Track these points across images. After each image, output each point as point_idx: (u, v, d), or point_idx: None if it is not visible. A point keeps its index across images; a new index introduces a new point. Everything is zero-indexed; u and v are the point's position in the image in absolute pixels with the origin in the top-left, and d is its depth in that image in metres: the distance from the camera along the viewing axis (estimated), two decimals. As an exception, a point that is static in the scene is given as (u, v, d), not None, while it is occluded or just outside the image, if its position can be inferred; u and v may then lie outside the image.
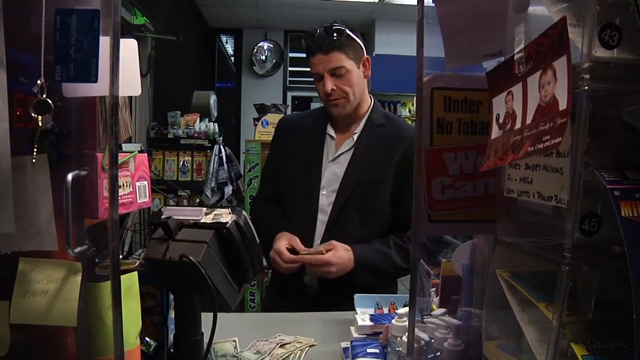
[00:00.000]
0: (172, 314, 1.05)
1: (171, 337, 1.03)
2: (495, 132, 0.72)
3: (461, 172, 0.82)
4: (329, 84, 1.60)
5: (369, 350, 1.10)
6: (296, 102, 7.64)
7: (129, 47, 0.86)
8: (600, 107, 0.58)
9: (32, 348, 0.82)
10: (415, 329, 0.80)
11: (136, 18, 3.94)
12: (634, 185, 0.56)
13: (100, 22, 0.71)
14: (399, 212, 1.64)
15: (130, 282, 0.86)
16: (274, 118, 3.91)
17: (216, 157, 4.40)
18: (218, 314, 0.91)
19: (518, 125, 0.65)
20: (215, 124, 4.77)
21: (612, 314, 0.63)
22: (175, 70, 5.53)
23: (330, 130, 1.71)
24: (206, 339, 0.95)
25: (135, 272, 0.87)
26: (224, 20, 7.19)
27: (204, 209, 1.00)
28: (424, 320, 0.94)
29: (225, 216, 0.97)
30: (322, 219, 1.63)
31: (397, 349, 0.95)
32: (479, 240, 0.88)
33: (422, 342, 0.89)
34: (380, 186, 1.62)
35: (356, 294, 1.35)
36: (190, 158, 4.58)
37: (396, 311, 1.22)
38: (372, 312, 1.28)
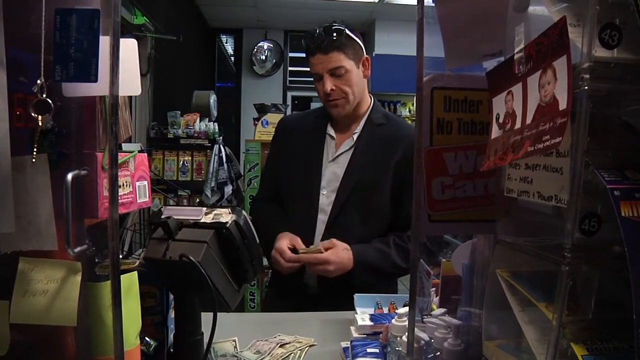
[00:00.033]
0: (172, 314, 1.05)
1: (171, 336, 1.03)
2: (495, 131, 0.72)
3: (461, 172, 0.82)
4: (329, 84, 1.60)
5: (368, 350, 1.10)
6: (296, 102, 7.64)
7: (129, 47, 0.86)
8: (600, 107, 0.58)
9: (32, 348, 0.82)
10: (415, 328, 0.80)
11: (136, 18, 3.94)
12: (634, 185, 0.56)
13: (100, 21, 0.71)
14: (399, 211, 1.64)
15: (130, 281, 0.86)
16: (274, 118, 3.91)
17: (216, 157, 4.40)
18: (218, 313, 0.91)
19: (518, 125, 0.65)
20: (215, 124, 4.77)
21: (612, 313, 0.63)
22: (175, 70, 5.53)
23: (330, 130, 1.71)
24: (206, 339, 0.95)
25: (135, 272, 0.87)
26: (224, 20, 7.19)
27: (204, 208, 1.00)
28: (424, 320, 0.94)
29: (225, 216, 0.97)
30: (322, 219, 1.63)
31: (397, 348, 0.95)
32: (479, 240, 0.88)
33: (422, 341, 0.89)
34: (380, 186, 1.62)
35: (356, 294, 1.35)
36: (190, 158, 4.58)
37: (396, 311, 1.22)
38: (372, 312, 1.28)
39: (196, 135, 4.60)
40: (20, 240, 0.75)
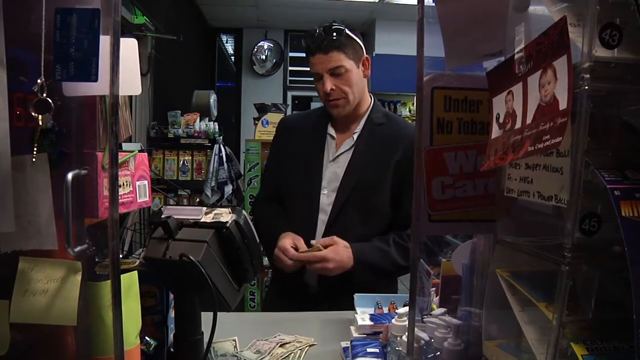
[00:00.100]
0: (172, 314, 1.05)
1: (171, 336, 1.03)
2: (495, 131, 0.72)
3: (461, 172, 0.82)
4: (329, 84, 1.60)
5: (368, 350, 1.10)
6: (296, 101, 7.64)
7: (129, 47, 0.86)
8: (600, 107, 0.58)
9: (32, 347, 0.82)
10: (415, 328, 0.80)
11: (136, 17, 3.94)
12: (634, 185, 0.56)
13: (100, 21, 0.71)
14: (399, 211, 1.64)
15: (130, 281, 0.86)
16: (274, 117, 3.91)
17: (216, 157, 4.41)
18: (218, 313, 0.91)
19: (518, 124, 0.65)
20: (216, 124, 4.77)
21: (612, 313, 0.63)
22: (176, 69, 5.53)
23: (331, 130, 1.71)
24: (206, 339, 0.95)
25: (135, 272, 0.87)
26: (224, 20, 7.19)
27: (204, 208, 1.00)
28: (424, 319, 0.94)
29: (225, 215, 0.97)
30: (322, 219, 1.64)
31: (397, 348, 0.95)
32: (479, 240, 0.88)
33: (422, 341, 0.89)
34: (380, 186, 1.62)
35: (356, 294, 1.35)
36: (190, 157, 4.58)
37: (396, 311, 1.22)
38: (372, 312, 1.28)
39: (196, 134, 4.60)
40: (20, 240, 0.76)
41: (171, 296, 1.05)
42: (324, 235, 1.61)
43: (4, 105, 0.69)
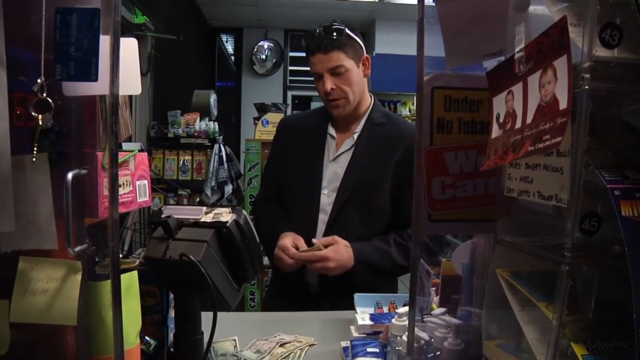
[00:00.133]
0: (172, 313, 1.05)
1: (171, 336, 1.03)
2: (495, 131, 0.72)
3: (461, 172, 0.82)
4: (329, 83, 1.60)
5: (368, 350, 1.10)
6: (296, 101, 7.64)
7: (129, 46, 0.86)
8: (600, 107, 0.58)
9: (32, 347, 0.82)
10: (415, 328, 0.80)
11: (136, 17, 3.94)
12: (634, 185, 0.56)
13: (100, 21, 0.71)
14: (399, 211, 1.64)
15: (130, 281, 0.86)
16: (274, 117, 3.91)
17: (216, 156, 4.41)
18: (218, 313, 0.91)
19: (518, 124, 0.65)
20: (216, 123, 4.77)
21: (612, 313, 0.63)
22: (176, 69, 5.53)
23: (331, 130, 1.71)
24: (206, 338, 0.95)
25: (135, 271, 0.87)
26: (224, 20, 7.19)
27: (204, 208, 1.00)
28: (424, 319, 0.94)
29: (225, 215, 0.97)
30: (322, 219, 1.64)
31: (397, 348, 0.95)
32: (479, 240, 0.88)
33: (422, 341, 0.89)
34: (380, 185, 1.62)
35: (356, 293, 1.35)
36: (190, 157, 4.58)
37: (396, 310, 1.22)
38: (372, 312, 1.28)
39: (196, 134, 4.60)
40: (20, 240, 0.76)
41: (171, 296, 1.05)
42: (324, 235, 1.61)
43: (4, 104, 0.69)
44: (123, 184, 0.89)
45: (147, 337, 0.97)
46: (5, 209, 0.70)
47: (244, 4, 6.35)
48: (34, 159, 0.75)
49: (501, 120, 0.70)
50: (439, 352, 0.89)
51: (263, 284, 3.61)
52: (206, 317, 0.95)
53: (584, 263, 0.59)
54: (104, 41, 0.69)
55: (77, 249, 0.77)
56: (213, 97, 5.07)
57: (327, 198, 1.64)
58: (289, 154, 1.75)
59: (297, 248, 1.55)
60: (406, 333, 0.86)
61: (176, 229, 0.94)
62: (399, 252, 1.57)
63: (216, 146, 4.44)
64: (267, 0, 6.15)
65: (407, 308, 0.95)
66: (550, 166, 0.63)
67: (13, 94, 0.72)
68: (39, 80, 0.72)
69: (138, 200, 0.94)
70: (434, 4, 0.81)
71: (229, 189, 4.51)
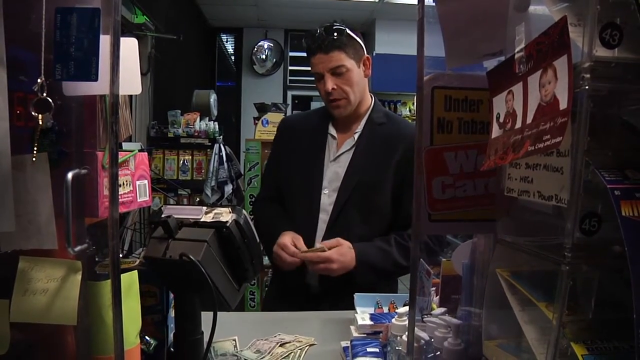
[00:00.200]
0: (172, 313, 1.05)
1: (171, 336, 1.03)
2: (495, 131, 0.72)
3: (461, 172, 0.82)
4: (330, 83, 1.60)
5: (369, 350, 1.10)
6: (296, 101, 7.64)
7: (129, 46, 0.86)
8: (600, 107, 0.58)
9: (32, 346, 0.82)
10: (415, 328, 0.80)
11: (136, 17, 3.94)
12: (634, 185, 0.56)
13: (100, 20, 0.71)
14: (400, 211, 1.64)
15: (130, 280, 0.86)
16: (274, 117, 3.91)
17: (216, 156, 4.41)
18: (218, 313, 0.91)
19: (518, 124, 0.65)
20: (216, 123, 4.77)
21: (612, 313, 0.63)
22: (176, 69, 5.53)
23: (332, 130, 1.71)
24: (206, 338, 0.95)
25: (136, 271, 0.87)
26: (224, 19, 7.19)
27: (204, 207, 1.00)
28: (424, 319, 0.94)
29: (225, 215, 0.97)
30: (323, 219, 1.64)
31: (397, 348, 0.95)
32: (479, 240, 0.88)
33: (422, 341, 0.89)
34: (381, 185, 1.62)
35: (356, 293, 1.35)
36: (190, 157, 4.58)
37: (396, 310, 1.22)
38: (372, 311, 1.28)
39: (196, 134, 4.60)
40: (20, 239, 0.76)
41: (171, 296, 1.05)
42: (324, 235, 1.61)
43: (4, 104, 0.69)
44: (123, 183, 0.89)
45: (147, 337, 0.97)
46: (6, 208, 0.70)
47: (244, 4, 6.35)
48: (34, 159, 0.75)
49: (501, 120, 0.70)
50: (439, 352, 0.89)
51: (263, 284, 3.61)
52: (206, 317, 0.95)
53: (584, 263, 0.59)
54: (104, 41, 0.69)
55: (77, 248, 0.77)
56: (213, 97, 5.07)
57: (327, 198, 1.64)
58: (290, 154, 1.75)
59: (296, 247, 1.55)
60: (406, 333, 0.86)
61: (176, 228, 0.94)
62: (399, 252, 1.57)
63: (216, 146, 4.44)
64: (267, 0, 6.15)
65: (407, 308, 0.95)
66: (551, 166, 0.63)
67: (13, 93, 0.72)
68: (39, 80, 0.72)
69: (138, 200, 0.94)
70: (434, 4, 0.81)
71: (229, 188, 4.51)
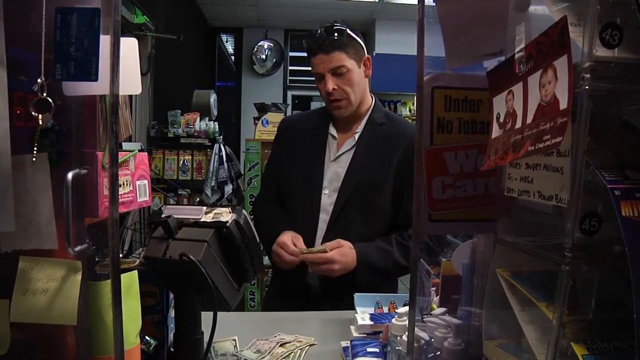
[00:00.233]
0: (172, 313, 1.05)
1: (171, 336, 1.03)
2: (495, 131, 0.72)
3: (461, 172, 0.82)
4: (331, 84, 1.60)
5: (369, 350, 1.10)
6: (296, 101, 7.64)
7: (130, 46, 0.86)
8: (600, 107, 0.58)
9: (32, 346, 0.82)
10: (416, 328, 0.80)
11: (136, 17, 3.94)
12: (635, 185, 0.56)
13: (100, 20, 0.71)
14: (400, 211, 1.64)
15: (130, 280, 0.86)
16: (274, 117, 3.91)
17: (216, 156, 4.41)
18: (218, 312, 0.91)
19: (518, 124, 0.65)
20: (216, 123, 4.77)
21: (613, 313, 0.63)
22: (176, 69, 5.53)
23: (332, 130, 1.72)
24: (206, 338, 0.95)
25: (136, 271, 0.87)
26: (224, 20, 7.19)
27: (204, 207, 1.00)
28: (424, 319, 0.94)
29: (225, 215, 0.97)
30: (323, 218, 1.64)
31: (397, 348, 0.95)
32: (479, 240, 0.88)
33: (422, 341, 0.89)
34: (381, 185, 1.62)
35: (356, 293, 1.35)
36: (190, 157, 4.58)
37: (396, 310, 1.22)
38: (372, 311, 1.28)
39: (196, 134, 4.60)
40: (20, 239, 0.76)
41: (171, 296, 1.05)
42: (325, 235, 1.61)
43: (4, 104, 0.69)
44: (123, 183, 0.89)
45: (147, 337, 0.97)
46: (6, 208, 0.70)
47: (244, 4, 6.35)
48: (34, 159, 0.75)
49: (501, 120, 0.70)
50: (439, 352, 0.89)
51: (263, 284, 3.61)
52: (206, 317, 0.95)
53: (584, 263, 0.59)
54: (104, 41, 0.69)
55: (77, 248, 0.77)
56: (213, 97, 5.07)
57: (328, 198, 1.64)
58: (290, 154, 1.75)
59: (295, 246, 1.55)
60: (406, 333, 0.86)
61: (176, 228, 0.94)
62: (400, 252, 1.58)
63: (216, 146, 4.44)
64: (267, 0, 6.15)
65: (407, 308, 0.95)
66: (551, 166, 0.63)
67: (13, 93, 0.72)
68: (39, 80, 0.72)
69: (138, 200, 0.94)
70: (434, 4, 0.81)
71: (229, 188, 4.51)
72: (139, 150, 0.96)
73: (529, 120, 0.62)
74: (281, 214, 1.74)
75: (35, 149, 0.74)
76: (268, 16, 6.86)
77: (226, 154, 4.49)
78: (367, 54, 1.70)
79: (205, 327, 0.98)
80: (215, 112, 5.07)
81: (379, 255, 1.58)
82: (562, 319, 0.59)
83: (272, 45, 7.46)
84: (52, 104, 0.74)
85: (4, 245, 0.75)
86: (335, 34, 1.59)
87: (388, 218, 1.65)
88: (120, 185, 0.87)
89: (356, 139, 1.67)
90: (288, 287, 1.68)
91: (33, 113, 0.73)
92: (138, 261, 1.00)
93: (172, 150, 4.56)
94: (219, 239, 0.95)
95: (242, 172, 4.33)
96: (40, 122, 0.74)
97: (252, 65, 7.47)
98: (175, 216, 0.96)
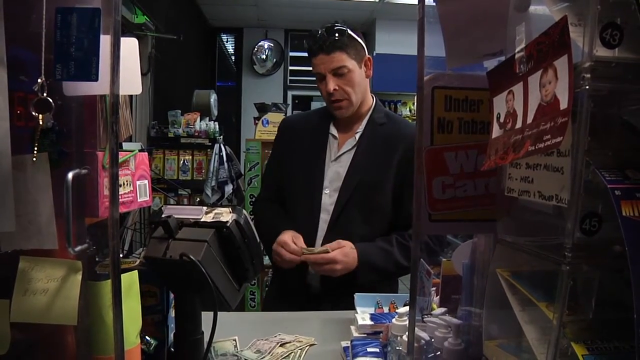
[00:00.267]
0: (172, 313, 1.05)
1: (171, 336, 1.03)
2: (496, 131, 0.72)
3: (462, 172, 0.82)
4: (332, 84, 1.60)
5: (369, 350, 1.10)
6: (296, 101, 7.64)
7: (130, 46, 0.86)
8: (601, 107, 0.58)
9: (33, 346, 0.82)
10: (416, 328, 0.80)
11: (137, 17, 3.94)
12: (635, 185, 0.56)
13: (101, 20, 0.71)
14: (401, 211, 1.64)
15: (130, 280, 0.86)
16: (274, 117, 3.91)
17: (216, 156, 4.41)
18: (218, 312, 0.91)
19: (519, 124, 0.65)
20: (216, 123, 4.77)
21: (613, 313, 0.63)
22: (176, 69, 5.53)
23: (333, 130, 1.72)
24: (206, 338, 0.95)
25: (136, 271, 0.87)
26: (224, 20, 7.19)
27: (205, 207, 1.00)
28: (424, 319, 0.94)
29: (225, 215, 0.97)
30: (324, 218, 1.64)
31: (397, 348, 0.95)
32: (479, 240, 0.88)
33: (423, 341, 0.89)
34: (382, 185, 1.62)
35: (356, 293, 1.35)
36: (190, 157, 4.58)
37: (396, 310, 1.22)
38: (373, 311, 1.28)
39: (197, 134, 4.60)
40: (20, 239, 0.76)
41: (171, 296, 1.05)
42: (325, 235, 1.61)
43: (4, 104, 0.69)
44: (123, 183, 0.89)
45: (147, 337, 0.97)
46: (6, 208, 0.70)
47: (244, 4, 6.35)
48: (34, 159, 0.75)
49: (502, 120, 0.70)
50: (439, 352, 0.89)
51: (263, 284, 3.61)
52: (206, 316, 0.95)
53: (585, 263, 0.59)
54: (105, 41, 0.69)
55: (78, 248, 0.77)
56: (213, 97, 5.07)
57: (328, 198, 1.64)
58: (291, 153, 1.75)
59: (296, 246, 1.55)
60: (406, 333, 0.86)
61: (176, 228, 0.94)
62: (401, 252, 1.58)
63: (216, 146, 4.44)
64: (267, 0, 6.15)
65: (407, 308, 0.95)
66: (551, 166, 0.63)
67: (13, 93, 0.72)
68: (39, 80, 0.72)
69: (138, 200, 0.94)
70: (434, 4, 0.81)
71: (229, 188, 4.51)
72: (139, 150, 0.96)
73: (529, 120, 0.62)
74: (281, 213, 1.74)
75: (35, 149, 0.74)
76: (268, 16, 6.86)
77: (226, 154, 4.49)
78: (368, 54, 1.70)
79: (206, 327, 0.98)
80: (215, 112, 5.07)
81: (379, 255, 1.58)
82: (562, 319, 0.59)
83: (272, 45, 7.45)
84: (53, 104, 0.74)
85: (4, 245, 0.75)
86: (336, 35, 1.59)
87: (388, 218, 1.66)
88: (120, 185, 0.87)
89: (357, 138, 1.67)
90: (288, 287, 1.68)
91: (33, 113, 0.73)
92: (138, 261, 1.00)
93: (172, 150, 4.56)
94: (219, 239, 0.95)
95: (243, 172, 4.33)
96: (41, 122, 0.74)
97: (253, 65, 7.47)
98: (176, 216, 0.96)
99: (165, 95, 4.99)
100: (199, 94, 5.08)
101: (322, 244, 1.58)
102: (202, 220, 0.97)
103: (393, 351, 0.98)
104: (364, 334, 1.20)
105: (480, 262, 0.86)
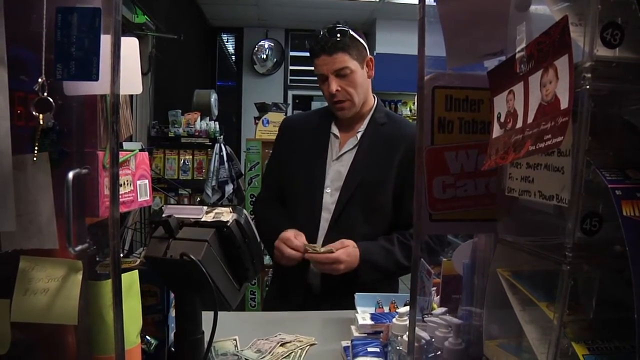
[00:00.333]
0: (172, 313, 1.05)
1: (172, 335, 1.03)
2: (496, 131, 0.72)
3: (462, 171, 0.82)
4: (334, 85, 1.60)
5: (369, 349, 1.10)
6: (297, 100, 7.64)
7: (130, 46, 0.86)
8: (601, 106, 0.58)
9: (33, 346, 0.82)
10: (416, 328, 0.80)
11: (137, 17, 3.94)
12: (635, 185, 0.56)
13: (101, 20, 0.71)
14: (401, 211, 1.65)
15: (131, 280, 0.86)
16: (274, 117, 3.91)
17: (217, 156, 4.41)
18: (219, 312, 0.91)
19: (519, 124, 0.65)
20: (216, 123, 4.77)
21: (614, 313, 0.63)
22: (176, 68, 5.53)
23: (335, 129, 1.72)
24: (207, 338, 0.95)
25: (136, 271, 0.87)
26: (225, 19, 7.19)
27: (205, 207, 1.00)
28: (425, 319, 0.94)
29: (226, 215, 0.97)
30: (325, 217, 1.64)
31: (397, 348, 0.95)
32: (479, 239, 0.88)
33: (423, 341, 0.89)
34: (382, 185, 1.63)
35: (357, 293, 1.35)
36: (191, 157, 4.58)
37: (397, 310, 1.22)
38: (373, 311, 1.28)
39: (197, 134, 4.60)
40: (21, 239, 0.76)
41: (172, 295, 1.05)
42: (327, 234, 1.62)
43: (5, 104, 0.69)
44: (124, 183, 0.89)
45: (147, 337, 0.97)
46: (7, 208, 0.70)
47: (245, 4, 6.34)
48: (34, 159, 0.75)
49: (502, 119, 0.70)
50: (439, 352, 0.89)
51: (264, 284, 3.61)
52: (207, 316, 0.95)
53: (585, 263, 0.59)
54: (105, 41, 0.69)
55: (78, 248, 0.77)
56: (214, 97, 5.07)
57: (330, 197, 1.64)
58: (292, 153, 1.75)
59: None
60: (407, 333, 0.86)
61: (177, 228, 0.94)
62: (402, 251, 1.58)
63: (217, 146, 4.44)
64: (268, -1, 6.16)
65: (407, 308, 0.95)
66: (552, 166, 0.63)
67: (14, 93, 0.72)
68: (39, 80, 0.72)
69: (139, 200, 0.94)
70: (435, 4, 0.81)
71: (229, 188, 4.51)
72: (140, 150, 0.96)
73: (530, 119, 0.62)
74: (282, 213, 1.74)
75: (36, 148, 0.74)
76: (269, 16, 6.86)
77: (227, 153, 4.49)
78: (369, 54, 1.70)
79: (206, 327, 0.98)
80: (215, 111, 5.07)
81: (381, 254, 1.58)
82: (562, 319, 0.59)
83: (272, 44, 7.45)
84: (53, 104, 0.74)
85: (4, 244, 0.75)
86: (338, 35, 1.59)
87: (389, 217, 1.66)
88: (120, 185, 0.87)
89: (358, 138, 1.68)
90: (289, 286, 1.69)
91: (34, 113, 0.73)
92: (139, 261, 1.00)
93: (172, 150, 4.56)
94: (220, 238, 0.95)
95: (243, 172, 4.33)
96: (41, 122, 0.74)
97: (253, 64, 7.47)
98: (176, 216, 0.96)
99: (166, 94, 4.99)
100: (199, 93, 5.08)
101: (323, 243, 1.58)
102: (202, 220, 0.97)
103: (393, 351, 0.98)
104: (365, 333, 1.20)
105: (481, 261, 0.86)
